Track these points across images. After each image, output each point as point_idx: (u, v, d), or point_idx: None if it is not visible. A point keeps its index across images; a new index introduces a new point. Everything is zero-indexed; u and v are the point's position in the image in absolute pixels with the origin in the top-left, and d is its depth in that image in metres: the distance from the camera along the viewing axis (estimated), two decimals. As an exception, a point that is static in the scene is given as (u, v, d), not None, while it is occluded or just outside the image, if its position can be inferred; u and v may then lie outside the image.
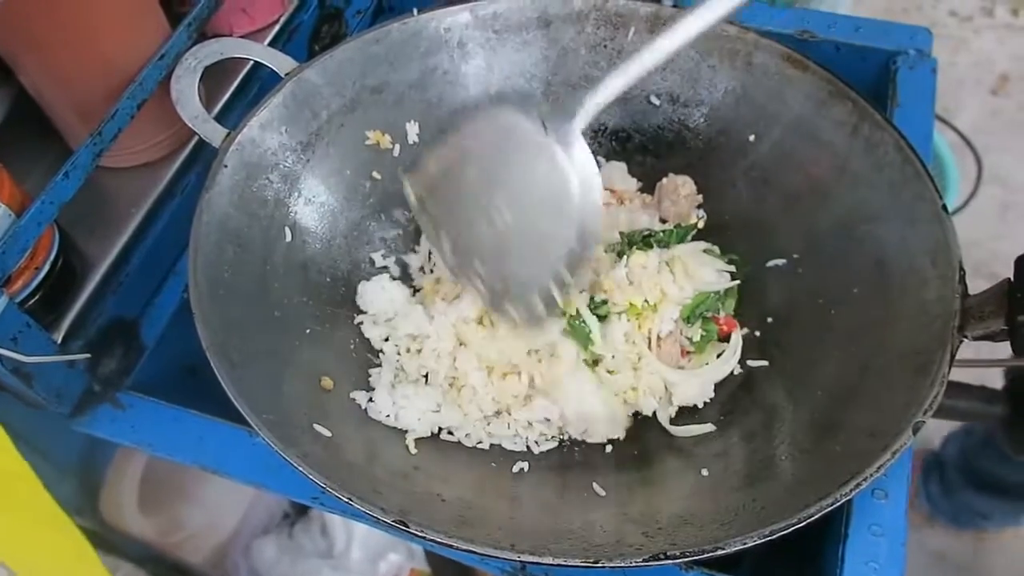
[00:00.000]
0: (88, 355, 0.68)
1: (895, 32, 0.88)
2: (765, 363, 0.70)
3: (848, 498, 0.53)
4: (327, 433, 0.59)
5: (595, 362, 0.69)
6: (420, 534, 0.50)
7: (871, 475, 0.53)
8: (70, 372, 0.68)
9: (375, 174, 0.79)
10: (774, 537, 0.51)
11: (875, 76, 0.88)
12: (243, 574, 1.14)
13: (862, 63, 0.88)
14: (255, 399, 0.56)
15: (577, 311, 0.67)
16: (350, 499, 0.51)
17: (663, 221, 0.79)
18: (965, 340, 0.60)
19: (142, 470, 1.03)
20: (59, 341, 0.67)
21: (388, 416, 0.64)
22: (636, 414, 0.70)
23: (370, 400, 0.66)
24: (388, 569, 1.14)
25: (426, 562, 1.15)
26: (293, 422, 0.58)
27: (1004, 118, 2.02)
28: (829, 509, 0.52)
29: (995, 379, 0.76)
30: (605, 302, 0.68)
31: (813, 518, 0.52)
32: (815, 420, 0.62)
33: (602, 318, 0.68)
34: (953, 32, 2.17)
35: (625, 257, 0.69)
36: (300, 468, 0.53)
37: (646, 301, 0.68)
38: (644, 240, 0.72)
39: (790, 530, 0.51)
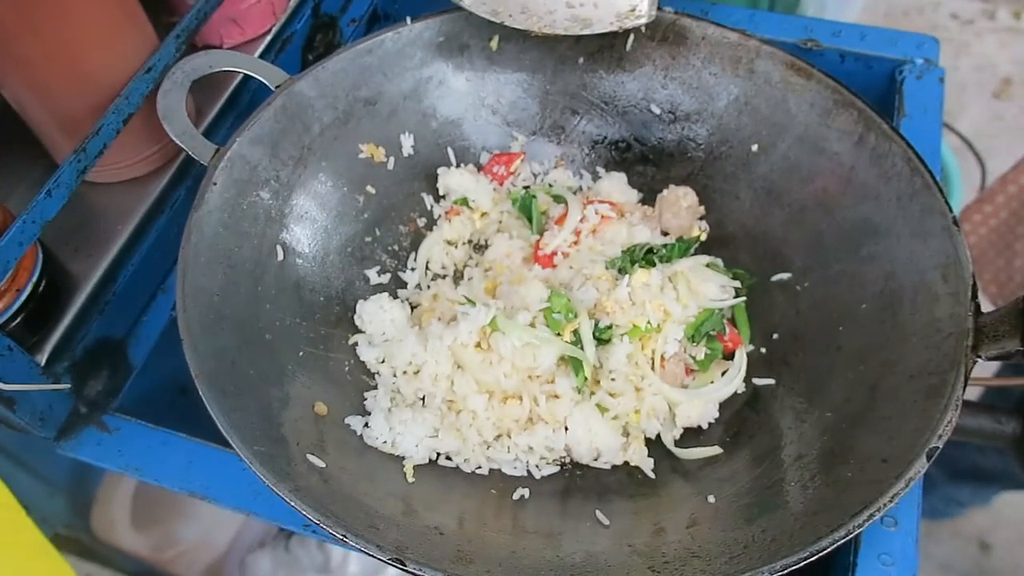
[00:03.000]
0: (69, 385, 0.66)
1: (901, 41, 0.86)
2: (771, 381, 0.68)
3: (861, 530, 0.51)
4: (321, 464, 0.57)
5: (597, 383, 0.67)
6: (417, 572, 0.48)
7: (884, 505, 0.51)
8: (54, 395, 0.65)
9: (369, 188, 0.76)
10: (784, 572, 0.49)
11: (881, 85, 0.86)
12: (238, 589, 1.12)
13: (868, 72, 0.86)
14: (247, 430, 0.54)
15: (576, 335, 0.65)
16: (344, 536, 0.49)
17: (664, 234, 0.77)
18: (979, 360, 0.58)
19: (135, 485, 1.01)
20: (43, 363, 0.64)
21: (385, 442, 0.62)
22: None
23: (366, 426, 0.64)
24: (386, 584, 1.12)
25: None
26: (286, 453, 0.56)
27: (1007, 122, 2.01)
28: (841, 542, 0.50)
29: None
30: (610, 327, 0.66)
31: (825, 551, 0.50)
32: (824, 443, 0.60)
33: (604, 341, 0.66)
34: (955, 35, 2.15)
35: (627, 276, 0.67)
36: (293, 504, 0.51)
37: (649, 322, 0.66)
38: (645, 257, 0.70)
39: (801, 564, 0.49)
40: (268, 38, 0.83)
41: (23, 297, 0.62)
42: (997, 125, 2.01)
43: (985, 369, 1.39)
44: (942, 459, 1.48)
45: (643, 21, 0.71)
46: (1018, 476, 1.22)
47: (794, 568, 0.50)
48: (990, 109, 2.03)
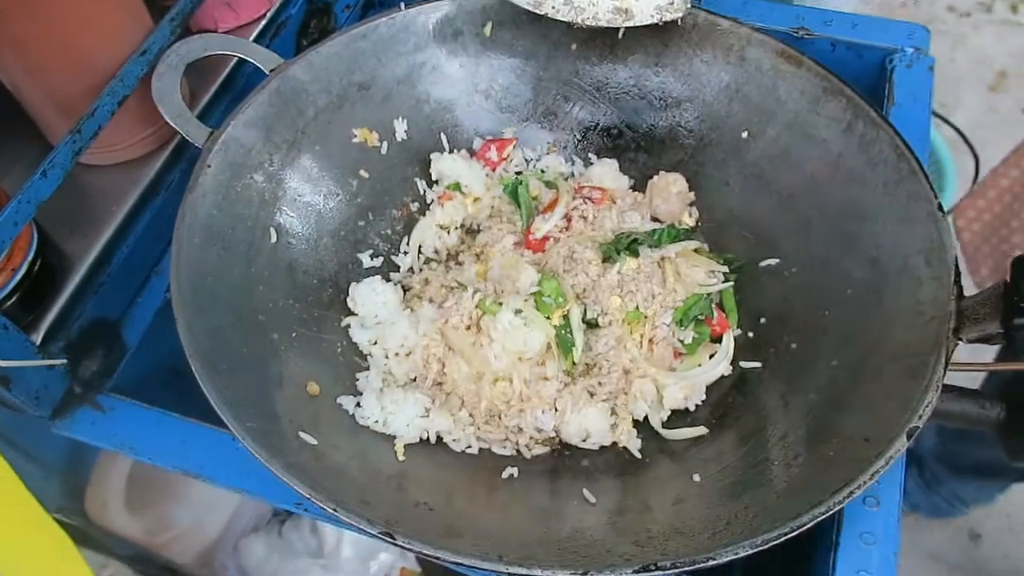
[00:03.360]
0: (65, 360, 0.66)
1: (892, 29, 0.86)
2: (758, 364, 0.69)
3: (841, 506, 0.52)
4: (313, 441, 0.58)
5: (586, 366, 0.68)
6: (407, 546, 0.49)
7: (865, 482, 0.52)
8: (49, 374, 0.66)
9: (363, 172, 0.77)
10: (765, 547, 0.50)
11: (872, 74, 0.87)
12: (232, 573, 1.13)
13: (858, 60, 0.87)
14: (240, 407, 0.55)
15: (566, 319, 0.66)
16: (335, 510, 0.50)
17: (655, 219, 0.78)
18: (960, 343, 0.59)
19: (129, 468, 1.02)
20: (38, 343, 0.65)
21: (377, 422, 0.63)
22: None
23: (358, 405, 0.64)
24: (379, 568, 1.13)
25: (416, 562, 1.14)
26: (279, 430, 0.57)
27: (1002, 114, 2.01)
28: (821, 518, 0.51)
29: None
30: (599, 312, 0.67)
31: (805, 527, 0.51)
32: (809, 424, 0.61)
33: (594, 325, 0.67)
34: (951, 28, 2.16)
35: (618, 264, 0.68)
36: (285, 479, 0.51)
37: (638, 307, 0.66)
38: (629, 247, 0.70)
39: (782, 539, 0.50)
40: (262, 23, 0.83)
41: (18, 276, 0.63)
42: (992, 118, 2.02)
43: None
44: (945, 456, 1.46)
45: (680, 14, 0.72)
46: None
47: (777, 544, 0.51)
48: (986, 102, 2.04)
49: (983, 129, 1.95)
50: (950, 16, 2.20)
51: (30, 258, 0.63)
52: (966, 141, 1.89)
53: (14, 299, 0.63)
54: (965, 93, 2.04)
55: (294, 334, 0.67)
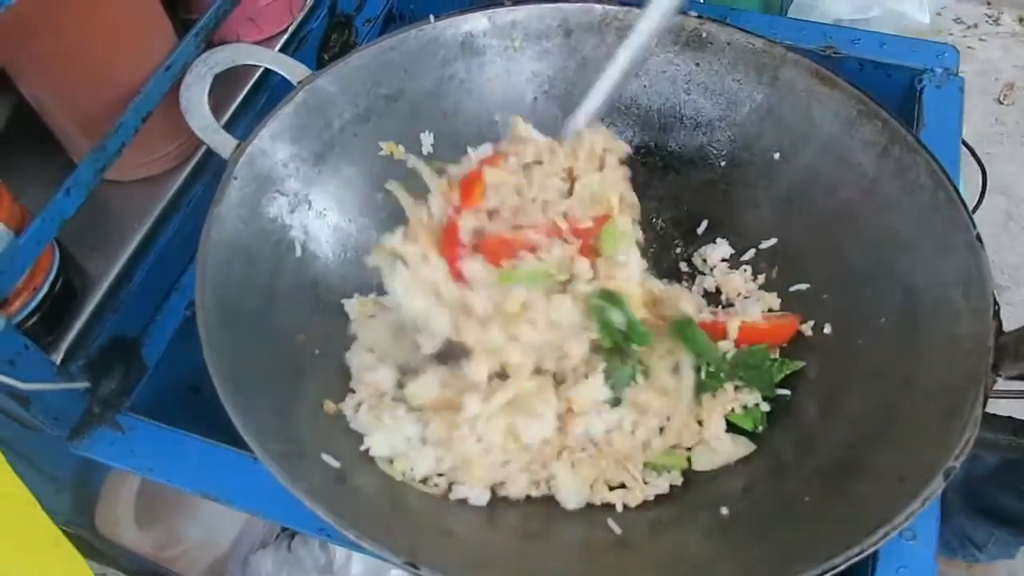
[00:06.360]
0: (87, 383, 0.65)
1: (921, 49, 0.86)
2: (787, 393, 0.68)
3: (876, 547, 0.51)
4: (336, 464, 0.57)
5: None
6: (430, 576, 0.48)
7: (900, 524, 0.51)
8: (69, 394, 0.65)
9: (388, 186, 0.76)
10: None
11: (900, 94, 0.86)
12: (240, 588, 1.12)
13: (887, 80, 0.86)
14: (262, 428, 0.54)
15: None
16: (360, 538, 0.49)
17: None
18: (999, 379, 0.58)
19: (139, 483, 1.01)
20: (58, 362, 0.64)
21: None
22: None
23: (356, 412, 0.63)
24: (389, 586, 1.12)
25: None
26: (301, 452, 0.56)
27: (1009, 127, 2.01)
28: (856, 559, 0.50)
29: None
30: None
31: (839, 568, 0.50)
32: (840, 459, 0.60)
33: None
34: (958, 40, 2.15)
35: None
36: (308, 504, 0.50)
37: None
38: None
39: (816, 578, 0.49)
40: (284, 37, 0.82)
41: (40, 296, 0.61)
42: (999, 130, 2.01)
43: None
44: (971, 494, 1.38)
45: None
46: None
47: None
48: (993, 114, 2.03)
49: (990, 142, 1.95)
50: (957, 28, 2.19)
51: (51, 277, 0.62)
52: (973, 154, 1.88)
53: (35, 318, 0.61)
54: (972, 106, 2.04)
55: (317, 351, 0.66)
